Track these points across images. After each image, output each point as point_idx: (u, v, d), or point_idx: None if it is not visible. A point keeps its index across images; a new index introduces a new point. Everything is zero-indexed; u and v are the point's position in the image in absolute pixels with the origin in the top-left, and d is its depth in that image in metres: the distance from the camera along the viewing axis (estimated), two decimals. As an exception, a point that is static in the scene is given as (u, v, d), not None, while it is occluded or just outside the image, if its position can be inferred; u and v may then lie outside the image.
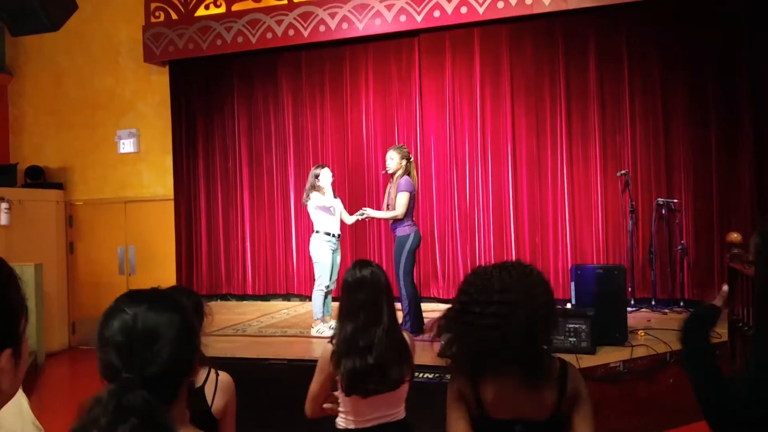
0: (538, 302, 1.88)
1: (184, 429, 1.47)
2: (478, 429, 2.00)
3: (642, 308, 6.87)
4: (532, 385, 1.91)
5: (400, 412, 2.80)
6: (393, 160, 5.98)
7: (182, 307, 1.46)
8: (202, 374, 2.44)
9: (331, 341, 2.83)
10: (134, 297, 1.42)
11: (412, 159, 6.12)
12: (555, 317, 1.97)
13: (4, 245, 8.77)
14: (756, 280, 1.79)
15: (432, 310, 7.30)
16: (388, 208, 6.04)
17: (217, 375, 2.47)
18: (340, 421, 2.82)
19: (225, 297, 9.00)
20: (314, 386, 2.86)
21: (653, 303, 6.94)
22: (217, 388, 2.43)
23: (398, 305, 6.48)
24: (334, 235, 6.18)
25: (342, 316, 2.79)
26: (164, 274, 9.17)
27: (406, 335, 2.84)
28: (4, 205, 8.70)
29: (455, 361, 2.01)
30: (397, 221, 5.89)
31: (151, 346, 1.34)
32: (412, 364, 2.76)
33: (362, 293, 2.74)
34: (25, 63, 10.11)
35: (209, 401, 2.39)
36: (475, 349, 1.92)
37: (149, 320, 1.36)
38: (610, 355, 4.99)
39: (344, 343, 2.71)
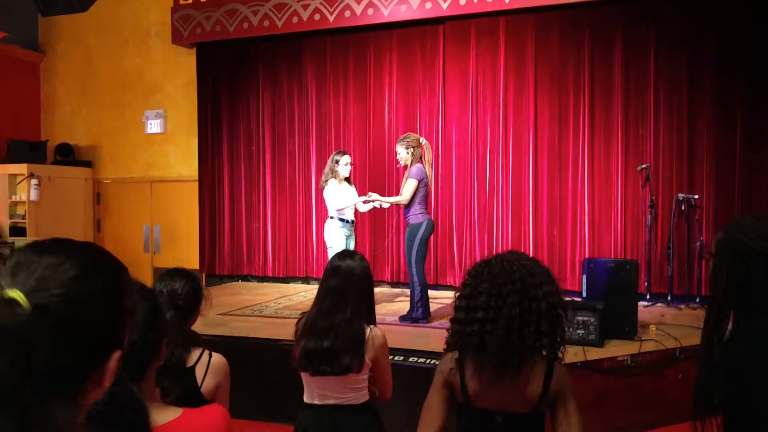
0: (530, 294, 1.91)
1: (155, 404, 1.58)
2: (461, 416, 2.06)
3: (658, 303, 6.85)
4: (514, 379, 1.94)
5: (356, 398, 2.86)
6: (400, 154, 6.02)
7: (151, 294, 1.59)
8: (195, 354, 2.51)
9: (302, 313, 2.99)
10: None
11: (423, 141, 6.12)
12: (556, 312, 1.92)
13: (33, 221, 9.02)
14: (713, 277, 1.80)
15: (446, 297, 7.38)
16: None
17: (210, 356, 2.54)
18: (305, 396, 2.96)
19: (246, 278, 9.15)
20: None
21: (669, 298, 6.91)
22: (208, 368, 2.49)
23: (407, 291, 6.60)
24: (347, 221, 6.26)
25: (315, 298, 2.93)
26: (188, 254, 9.37)
27: (373, 331, 2.87)
28: (34, 181, 8.93)
29: (448, 347, 2.08)
30: (409, 208, 5.93)
31: None
32: (362, 358, 2.79)
33: (333, 280, 2.86)
34: (57, 41, 10.31)
35: (199, 381, 2.47)
36: (463, 339, 1.98)
37: None
38: (618, 349, 5.01)
39: (307, 323, 2.86)
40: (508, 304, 1.87)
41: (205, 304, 2.67)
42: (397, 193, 6.65)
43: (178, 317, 2.50)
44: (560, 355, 1.98)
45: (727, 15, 7.02)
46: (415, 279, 5.90)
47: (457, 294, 2.01)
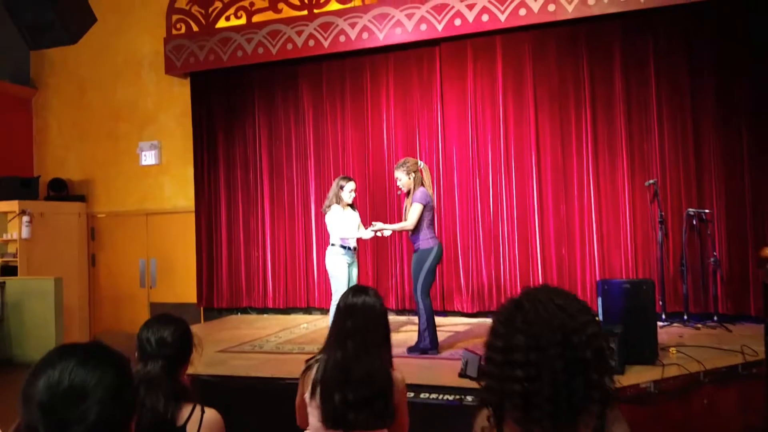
0: (573, 341, 1.66)
1: None
2: None
3: (674, 323, 6.61)
4: None
5: None
6: (401, 180, 5.83)
7: (118, 362, 1.34)
8: (186, 411, 2.28)
9: (307, 360, 2.74)
10: (64, 351, 1.31)
11: (422, 164, 5.94)
12: (602, 357, 1.67)
13: (24, 259, 8.78)
14: None
15: (454, 324, 7.15)
16: None
17: (203, 412, 2.30)
18: None
19: (245, 310, 8.89)
20: (297, 399, 2.80)
21: (685, 317, 6.67)
22: (201, 426, 2.25)
23: (414, 318, 6.36)
24: (349, 248, 6.03)
25: (330, 342, 2.67)
26: (185, 287, 9.14)
27: (394, 374, 2.65)
28: (25, 218, 8.71)
29: (482, 403, 1.82)
30: (418, 234, 5.72)
31: (76, 406, 1.23)
32: (392, 407, 2.57)
33: (351, 321, 2.62)
34: (49, 75, 10.18)
35: None
36: (501, 397, 1.72)
37: (77, 377, 1.26)
38: (639, 375, 4.75)
39: (334, 371, 2.58)
40: (550, 358, 1.61)
41: (196, 353, 2.43)
42: (400, 219, 6.44)
43: (167, 368, 2.27)
44: (612, 401, 1.73)
45: (725, 20, 6.90)
46: (421, 307, 5.66)
47: (487, 342, 1.75)
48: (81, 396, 1.24)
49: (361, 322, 2.61)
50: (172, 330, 2.35)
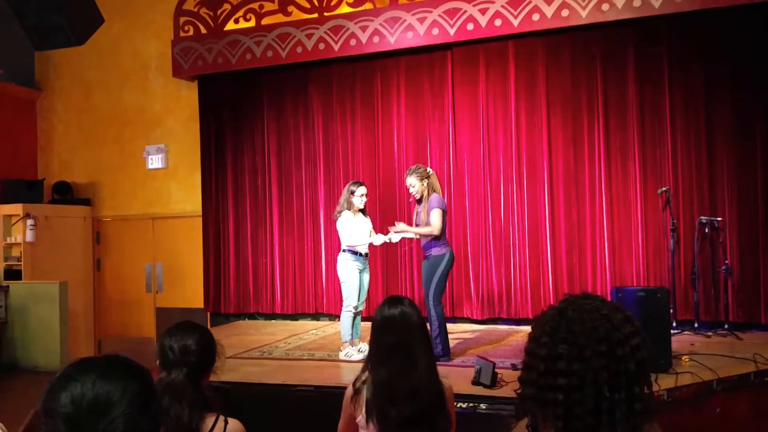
0: (617, 353, 1.61)
1: None
2: None
3: (684, 331, 6.56)
4: None
5: None
6: (414, 186, 5.77)
7: (140, 374, 1.32)
8: (209, 421, 2.23)
9: (354, 384, 2.66)
10: (85, 364, 1.30)
11: (431, 172, 5.90)
12: (644, 369, 1.63)
13: (29, 263, 8.72)
14: None
15: (464, 331, 7.10)
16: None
17: (226, 422, 2.25)
18: None
19: (253, 316, 8.83)
20: (340, 425, 2.74)
21: (696, 326, 6.62)
22: None
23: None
24: (361, 254, 5.98)
25: (373, 359, 2.59)
26: (191, 292, 9.08)
27: (445, 383, 2.63)
28: (30, 221, 8.65)
29: (520, 413, 1.78)
30: (430, 240, 5.67)
31: (103, 418, 1.22)
32: (449, 414, 2.52)
33: (391, 335, 2.54)
34: (54, 78, 10.13)
35: None
36: (540, 406, 1.68)
37: (101, 389, 1.24)
38: (653, 384, 4.70)
39: (382, 389, 2.50)
40: (593, 370, 1.56)
41: (219, 362, 2.39)
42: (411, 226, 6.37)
43: (191, 376, 2.22)
44: (653, 415, 1.68)
45: (741, 28, 6.86)
46: (433, 314, 5.61)
47: (528, 349, 1.71)
48: (107, 408, 1.24)
49: (401, 335, 2.53)
50: (196, 338, 2.31)
